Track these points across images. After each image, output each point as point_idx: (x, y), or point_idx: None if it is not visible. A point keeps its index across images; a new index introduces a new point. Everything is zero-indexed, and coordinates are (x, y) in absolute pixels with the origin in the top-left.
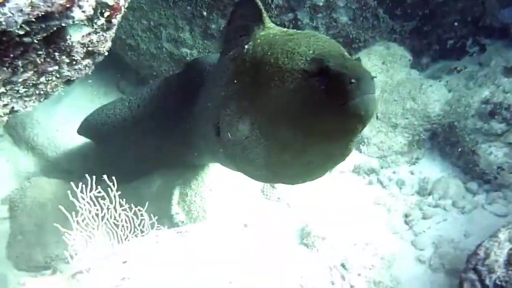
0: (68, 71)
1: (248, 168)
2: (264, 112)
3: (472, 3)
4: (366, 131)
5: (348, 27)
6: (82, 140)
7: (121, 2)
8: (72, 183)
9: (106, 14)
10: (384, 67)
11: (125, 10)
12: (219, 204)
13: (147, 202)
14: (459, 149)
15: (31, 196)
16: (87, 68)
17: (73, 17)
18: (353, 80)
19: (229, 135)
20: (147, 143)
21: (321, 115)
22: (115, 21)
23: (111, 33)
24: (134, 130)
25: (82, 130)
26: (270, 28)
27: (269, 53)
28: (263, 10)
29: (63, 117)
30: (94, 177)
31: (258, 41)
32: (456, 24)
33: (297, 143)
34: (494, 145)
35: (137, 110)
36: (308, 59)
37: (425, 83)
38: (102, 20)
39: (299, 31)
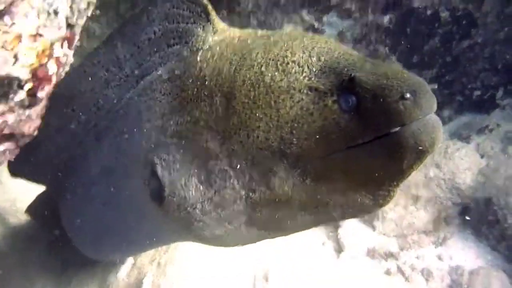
0: None
1: (218, 232)
2: (247, 153)
3: (503, 48)
4: None
5: None
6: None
7: (51, 70)
8: None
9: (27, 87)
10: None
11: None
12: None
13: None
14: (500, 231)
15: None
16: (8, 153)
17: None
18: (407, 95)
19: (180, 194)
20: None
21: (350, 151)
22: (42, 94)
23: (38, 109)
24: None
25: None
26: (226, 31)
27: (244, 67)
28: (209, 6)
29: None
30: None
31: (218, 49)
32: (483, 72)
33: (305, 192)
34: None
35: None
36: (314, 70)
37: (451, 145)
38: (21, 95)
39: (271, 31)
